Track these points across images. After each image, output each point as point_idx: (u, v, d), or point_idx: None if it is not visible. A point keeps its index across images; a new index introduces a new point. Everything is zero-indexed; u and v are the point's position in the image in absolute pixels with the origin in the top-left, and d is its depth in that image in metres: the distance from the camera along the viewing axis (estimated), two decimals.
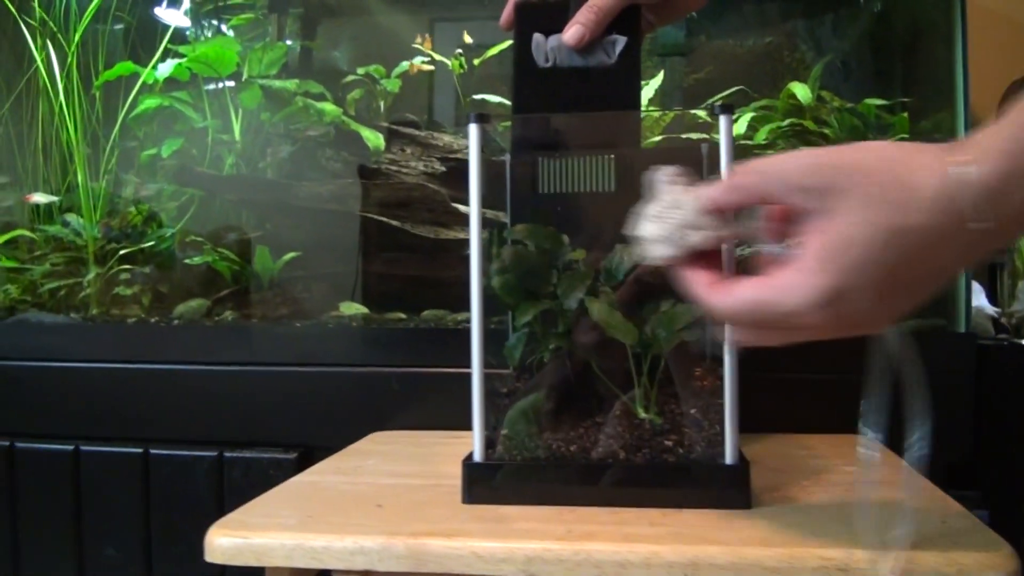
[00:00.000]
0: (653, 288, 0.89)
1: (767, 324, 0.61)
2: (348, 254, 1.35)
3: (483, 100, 1.46)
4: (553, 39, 0.91)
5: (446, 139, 1.44)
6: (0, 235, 1.47)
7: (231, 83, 1.46)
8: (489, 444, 0.84)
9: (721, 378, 0.81)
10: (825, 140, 1.33)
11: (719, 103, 0.82)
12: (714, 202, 0.64)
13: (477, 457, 0.83)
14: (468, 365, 1.20)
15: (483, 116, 0.83)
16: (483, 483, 0.82)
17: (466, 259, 1.34)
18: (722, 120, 0.81)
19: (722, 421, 0.81)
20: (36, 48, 1.45)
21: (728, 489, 0.81)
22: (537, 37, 0.91)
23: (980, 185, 0.54)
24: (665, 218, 0.66)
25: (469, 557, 0.71)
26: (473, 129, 0.82)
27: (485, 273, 0.86)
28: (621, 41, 0.90)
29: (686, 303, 0.85)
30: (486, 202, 1.29)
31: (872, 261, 0.56)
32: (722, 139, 0.81)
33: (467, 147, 1.39)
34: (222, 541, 0.75)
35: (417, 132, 1.43)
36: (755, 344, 0.64)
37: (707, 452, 0.82)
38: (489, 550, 0.71)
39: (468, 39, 1.46)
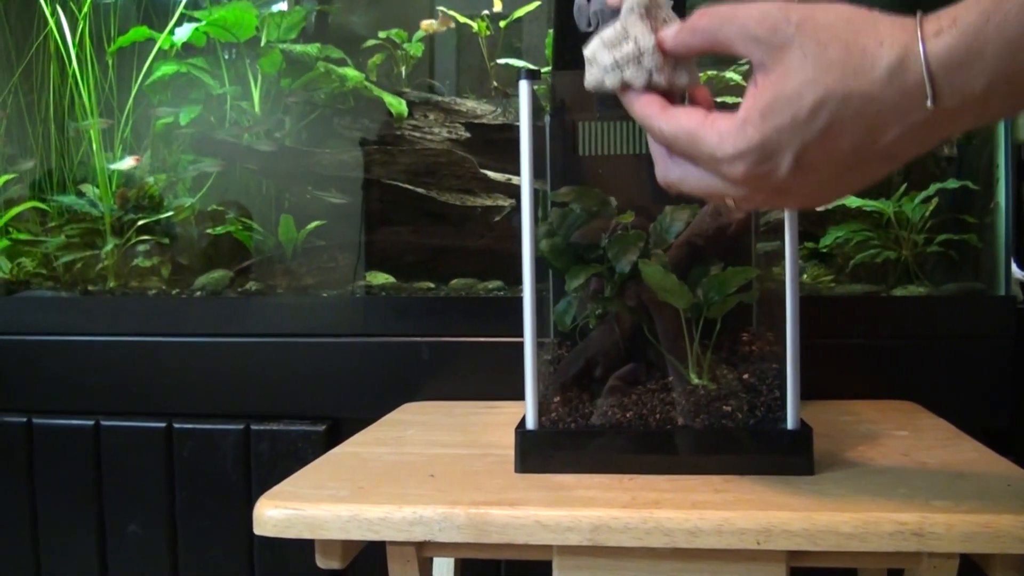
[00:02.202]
0: (702, 251, 0.87)
1: (695, 159, 0.59)
2: (372, 223, 1.32)
3: (507, 64, 1.43)
4: (595, 2, 0.87)
5: (469, 104, 1.41)
6: (12, 208, 1.43)
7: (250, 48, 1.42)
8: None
9: (783, 343, 0.79)
10: None
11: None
12: (669, 43, 0.61)
13: (530, 425, 0.80)
14: (499, 334, 1.19)
15: (533, 72, 0.80)
16: (537, 452, 0.80)
17: (495, 226, 1.32)
18: None
19: (782, 386, 0.79)
20: (48, 12, 1.41)
21: (791, 455, 0.78)
22: (578, 1, 0.88)
23: (940, 60, 0.50)
24: (617, 47, 0.63)
25: (532, 526, 0.69)
26: (524, 86, 0.79)
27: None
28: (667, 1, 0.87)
29: (737, 266, 0.83)
30: (519, 168, 1.26)
31: (805, 122, 0.53)
32: None
33: (491, 112, 1.36)
34: (273, 513, 0.72)
35: (440, 97, 1.39)
36: (683, 189, 0.61)
37: (767, 417, 0.80)
38: (554, 518, 0.69)
39: (498, 4, 1.42)
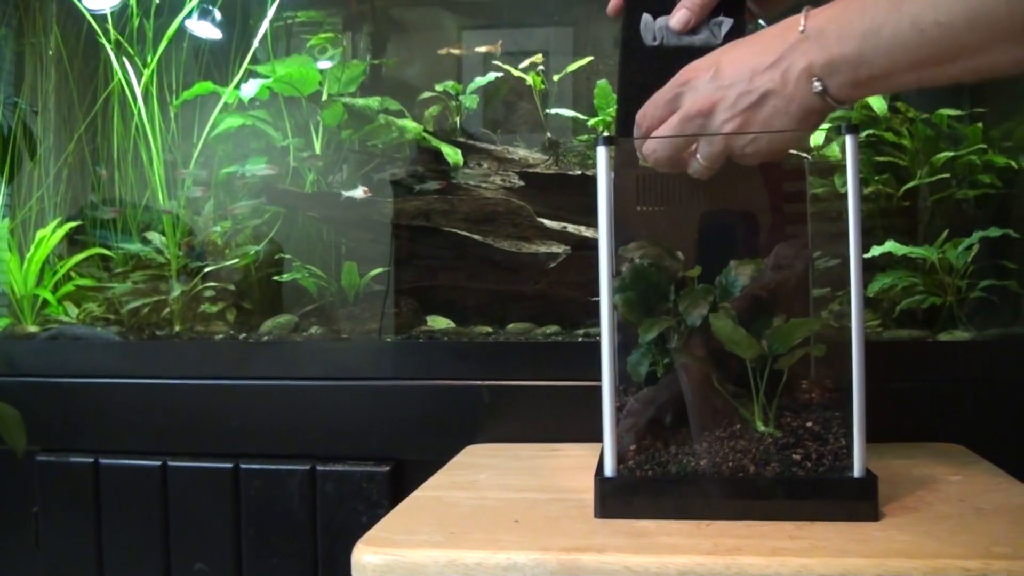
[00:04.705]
0: (765, 303, 0.91)
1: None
2: (431, 269, 1.37)
3: (558, 114, 1.48)
4: (661, 20, 0.94)
5: (521, 153, 1.46)
6: (81, 252, 1.49)
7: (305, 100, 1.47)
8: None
9: (843, 390, 0.83)
10: (901, 151, 1.35)
11: (846, 122, 0.83)
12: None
13: (609, 472, 0.84)
14: (557, 378, 1.23)
15: (610, 139, 0.84)
16: (617, 498, 0.84)
17: (549, 272, 1.37)
18: (848, 140, 0.82)
19: (848, 435, 0.83)
20: (119, 67, 1.47)
21: (858, 502, 0.82)
22: (646, 17, 0.94)
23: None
24: None
25: (623, 572, 0.72)
26: (601, 152, 0.84)
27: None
28: (727, 22, 0.93)
29: (800, 318, 0.87)
30: (572, 217, 1.31)
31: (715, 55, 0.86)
32: (848, 160, 0.82)
33: (543, 161, 1.41)
34: (372, 558, 0.76)
35: (493, 147, 1.45)
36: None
37: (835, 465, 0.83)
38: (642, 564, 0.72)
39: (538, 57, 1.48)
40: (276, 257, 1.42)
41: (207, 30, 1.57)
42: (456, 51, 1.58)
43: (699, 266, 0.91)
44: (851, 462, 0.83)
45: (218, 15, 1.55)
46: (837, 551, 0.73)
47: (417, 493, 0.96)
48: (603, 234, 0.84)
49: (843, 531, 0.79)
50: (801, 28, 0.79)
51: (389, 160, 1.48)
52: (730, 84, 0.83)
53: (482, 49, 1.58)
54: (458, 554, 0.75)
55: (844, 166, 0.84)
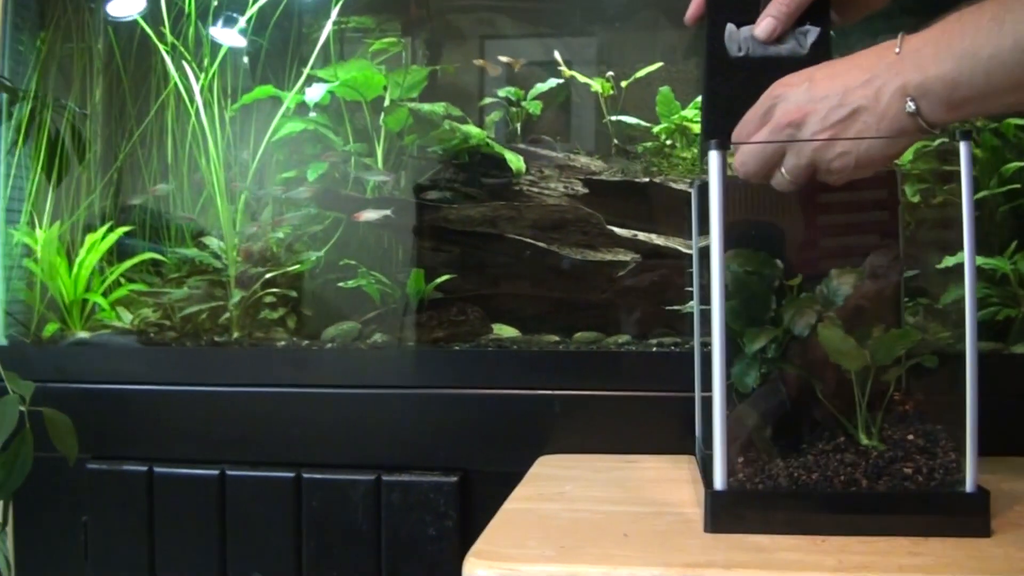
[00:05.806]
0: (867, 313, 0.90)
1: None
2: (496, 276, 1.36)
3: (620, 121, 1.47)
4: (746, 30, 0.93)
5: (583, 160, 1.45)
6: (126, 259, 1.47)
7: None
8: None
9: (961, 405, 0.81)
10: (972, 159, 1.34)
11: (960, 128, 0.82)
12: None
13: (719, 486, 0.82)
14: (629, 388, 1.21)
15: (723, 143, 0.83)
16: (728, 511, 0.82)
17: (617, 281, 1.35)
18: (963, 147, 0.81)
19: (959, 449, 0.82)
20: (177, 71, 1.45)
21: (970, 517, 0.80)
22: (730, 27, 0.93)
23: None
24: None
25: None
26: (714, 156, 0.82)
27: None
28: (813, 31, 0.92)
29: (899, 329, 0.86)
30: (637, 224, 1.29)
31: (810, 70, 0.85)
32: (963, 167, 0.81)
33: (606, 169, 1.39)
34: (486, 572, 0.74)
35: (554, 153, 1.43)
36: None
37: (945, 480, 0.82)
38: None
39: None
40: (341, 264, 1.41)
41: (232, 38, 1.55)
42: (486, 65, 1.58)
43: (800, 276, 0.90)
44: (962, 476, 0.81)
45: (242, 22, 1.54)
46: (960, 568, 0.72)
47: (507, 505, 0.94)
48: (715, 242, 0.81)
49: (960, 547, 0.77)
50: (897, 50, 0.79)
51: (447, 165, 1.46)
52: (823, 97, 0.82)
53: (504, 59, 1.57)
54: (577, 569, 0.73)
55: (946, 172, 0.83)
